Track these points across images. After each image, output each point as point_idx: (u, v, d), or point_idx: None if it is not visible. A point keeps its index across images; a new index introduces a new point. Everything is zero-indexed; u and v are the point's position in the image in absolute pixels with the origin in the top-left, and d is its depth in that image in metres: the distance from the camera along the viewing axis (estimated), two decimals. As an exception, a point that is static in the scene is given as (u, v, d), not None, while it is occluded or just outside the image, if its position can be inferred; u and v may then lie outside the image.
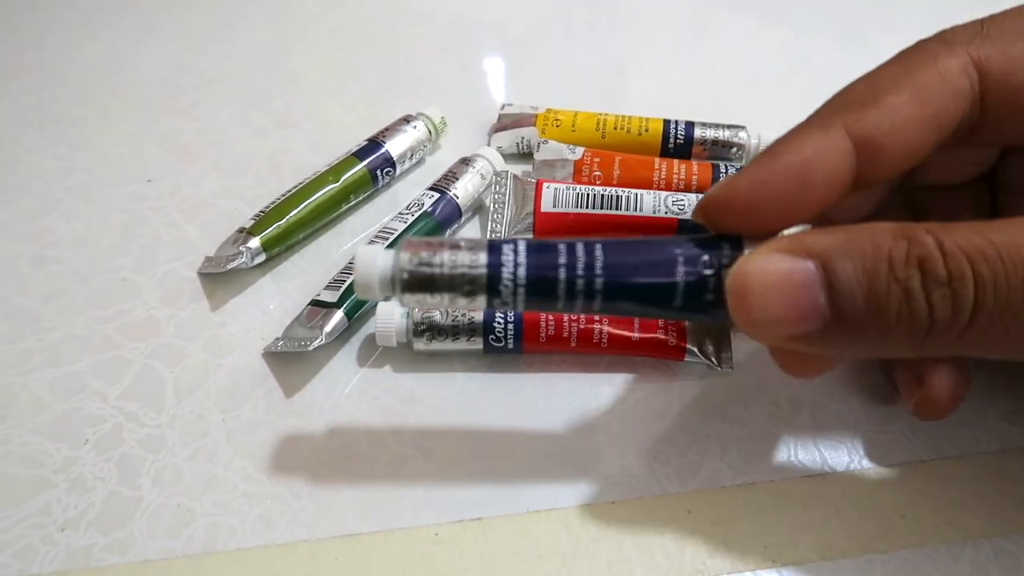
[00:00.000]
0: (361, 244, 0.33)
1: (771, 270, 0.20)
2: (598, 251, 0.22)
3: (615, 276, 0.22)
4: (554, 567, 0.25)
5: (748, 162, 0.38)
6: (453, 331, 0.30)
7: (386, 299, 0.26)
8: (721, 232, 0.23)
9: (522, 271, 0.22)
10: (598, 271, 0.22)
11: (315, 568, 0.25)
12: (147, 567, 0.25)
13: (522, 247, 0.22)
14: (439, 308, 0.26)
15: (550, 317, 0.30)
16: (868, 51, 0.41)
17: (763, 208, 0.22)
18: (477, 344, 0.30)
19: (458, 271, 0.22)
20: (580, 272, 0.22)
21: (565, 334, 0.30)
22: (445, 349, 0.30)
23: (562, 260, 0.22)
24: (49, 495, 0.27)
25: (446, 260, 0.22)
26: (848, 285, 0.20)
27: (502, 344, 0.30)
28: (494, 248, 0.22)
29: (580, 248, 0.22)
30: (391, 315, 0.30)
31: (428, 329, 0.30)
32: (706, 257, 0.22)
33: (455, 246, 0.23)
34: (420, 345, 0.30)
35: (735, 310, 0.21)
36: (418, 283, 0.22)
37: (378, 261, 0.23)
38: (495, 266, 0.22)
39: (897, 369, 0.27)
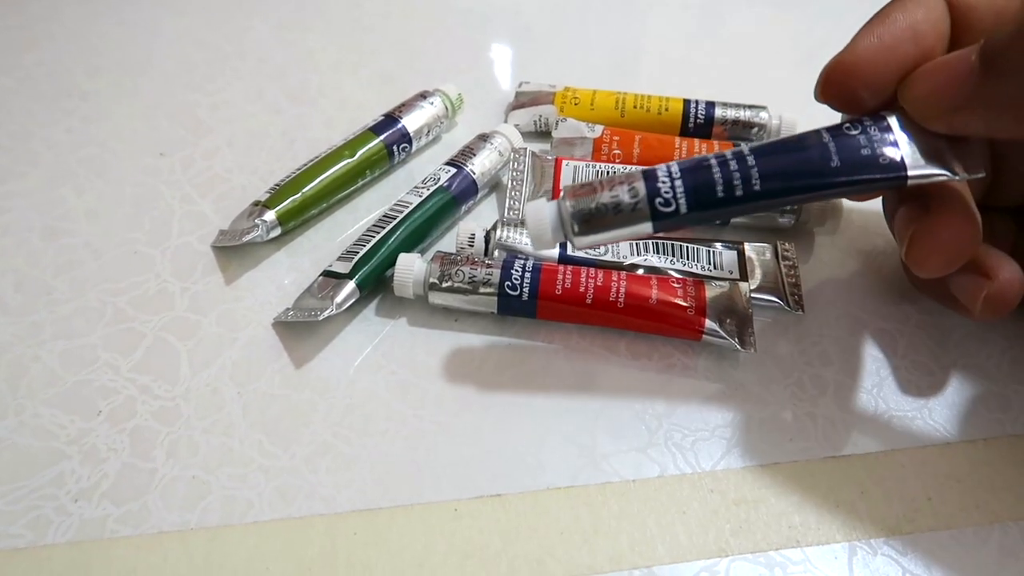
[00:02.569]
0: (376, 220, 0.32)
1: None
2: (745, 148, 0.25)
3: (766, 154, 0.24)
4: (575, 544, 0.25)
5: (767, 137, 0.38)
6: (471, 283, 0.29)
7: (561, 245, 0.30)
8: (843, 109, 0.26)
9: (679, 182, 0.24)
10: (747, 152, 0.24)
11: (333, 542, 0.24)
12: (161, 539, 0.25)
13: (674, 165, 0.25)
14: (613, 243, 0.28)
15: (567, 268, 0.30)
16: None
17: (884, 64, 0.24)
18: (491, 298, 0.29)
19: (623, 204, 0.24)
20: (731, 158, 0.24)
21: (582, 288, 0.29)
22: (459, 306, 0.30)
23: (714, 159, 0.24)
24: (62, 466, 0.26)
25: (608, 199, 0.24)
26: (997, 38, 0.22)
27: (517, 293, 0.29)
28: (649, 175, 0.25)
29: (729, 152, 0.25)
30: (410, 265, 0.30)
31: (445, 278, 0.30)
32: (847, 124, 0.25)
33: (612, 182, 0.25)
34: (436, 299, 0.30)
35: (904, 90, 0.24)
36: (588, 225, 0.25)
37: (545, 212, 0.25)
38: (653, 189, 0.24)
39: (954, 279, 0.27)
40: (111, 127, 0.39)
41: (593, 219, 0.24)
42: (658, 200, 0.24)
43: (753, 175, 0.24)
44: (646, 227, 0.25)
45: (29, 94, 0.41)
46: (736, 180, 0.24)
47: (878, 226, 0.35)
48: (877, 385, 0.29)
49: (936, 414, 0.29)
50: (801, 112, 0.39)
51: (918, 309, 0.32)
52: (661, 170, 0.25)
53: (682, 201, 0.24)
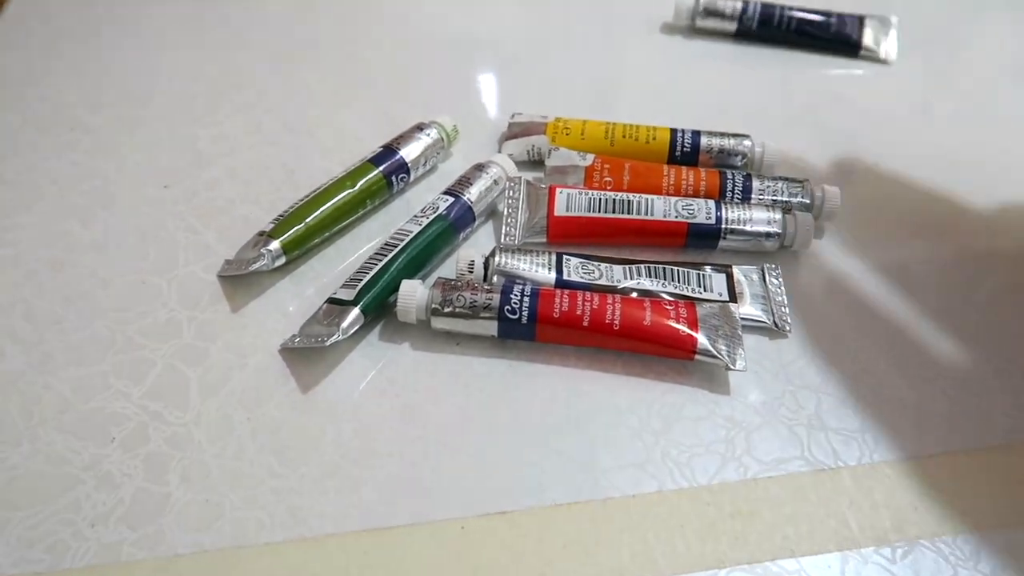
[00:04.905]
0: (377, 248, 0.33)
1: None
2: None
3: None
4: (578, 558, 0.26)
5: (754, 169, 0.39)
6: (472, 308, 0.31)
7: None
8: None
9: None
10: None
11: (347, 561, 0.25)
12: (177, 561, 0.25)
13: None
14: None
15: (564, 292, 0.31)
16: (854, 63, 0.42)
17: None
18: (492, 322, 0.31)
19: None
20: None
21: (579, 311, 0.30)
22: (461, 330, 0.31)
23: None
24: (78, 492, 0.27)
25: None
26: None
27: (516, 316, 0.30)
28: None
29: None
30: (413, 292, 0.31)
31: (447, 304, 0.31)
32: None
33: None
34: (438, 324, 0.31)
35: None
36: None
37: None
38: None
39: None
40: (114, 160, 0.40)
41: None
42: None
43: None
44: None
45: (33, 129, 0.42)
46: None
47: (859, 246, 0.37)
48: (862, 399, 0.31)
49: (920, 426, 0.30)
50: (783, 140, 0.40)
51: (900, 324, 0.33)
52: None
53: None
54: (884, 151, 0.43)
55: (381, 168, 0.37)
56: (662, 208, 0.35)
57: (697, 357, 0.31)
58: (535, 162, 0.41)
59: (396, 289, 0.32)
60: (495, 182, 0.37)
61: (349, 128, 0.43)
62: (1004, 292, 0.35)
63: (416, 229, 0.34)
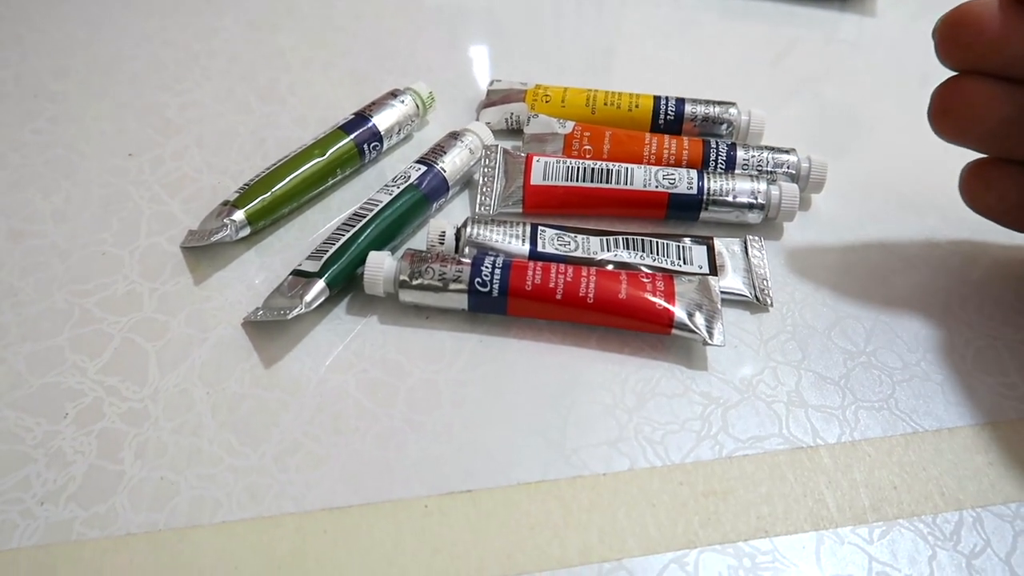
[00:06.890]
0: (346, 218, 0.32)
1: None
2: None
3: None
4: (545, 538, 0.25)
5: (739, 138, 0.38)
6: (441, 280, 0.30)
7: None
8: None
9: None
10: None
11: (303, 540, 0.24)
12: (129, 540, 0.24)
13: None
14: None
15: (537, 265, 0.30)
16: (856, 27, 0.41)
17: None
18: (462, 295, 0.30)
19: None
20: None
21: (552, 284, 0.29)
22: (430, 303, 0.30)
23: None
24: (28, 469, 0.26)
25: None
26: None
27: (487, 290, 0.29)
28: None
29: None
30: (380, 263, 0.30)
31: (416, 276, 0.30)
32: None
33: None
34: (406, 296, 0.30)
35: None
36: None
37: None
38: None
39: None
40: (78, 128, 0.39)
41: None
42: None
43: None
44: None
45: (-5, 95, 0.40)
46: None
47: (846, 219, 0.36)
48: (844, 376, 0.30)
49: (902, 404, 0.29)
50: (770, 109, 0.39)
51: (885, 301, 0.32)
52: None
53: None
54: (878, 119, 0.42)
55: (352, 136, 0.36)
56: (642, 178, 0.34)
57: (674, 331, 0.30)
58: (514, 130, 0.40)
59: (364, 261, 0.31)
60: (470, 151, 0.36)
61: (324, 95, 0.42)
62: (995, 268, 0.34)
63: (386, 199, 0.33)
